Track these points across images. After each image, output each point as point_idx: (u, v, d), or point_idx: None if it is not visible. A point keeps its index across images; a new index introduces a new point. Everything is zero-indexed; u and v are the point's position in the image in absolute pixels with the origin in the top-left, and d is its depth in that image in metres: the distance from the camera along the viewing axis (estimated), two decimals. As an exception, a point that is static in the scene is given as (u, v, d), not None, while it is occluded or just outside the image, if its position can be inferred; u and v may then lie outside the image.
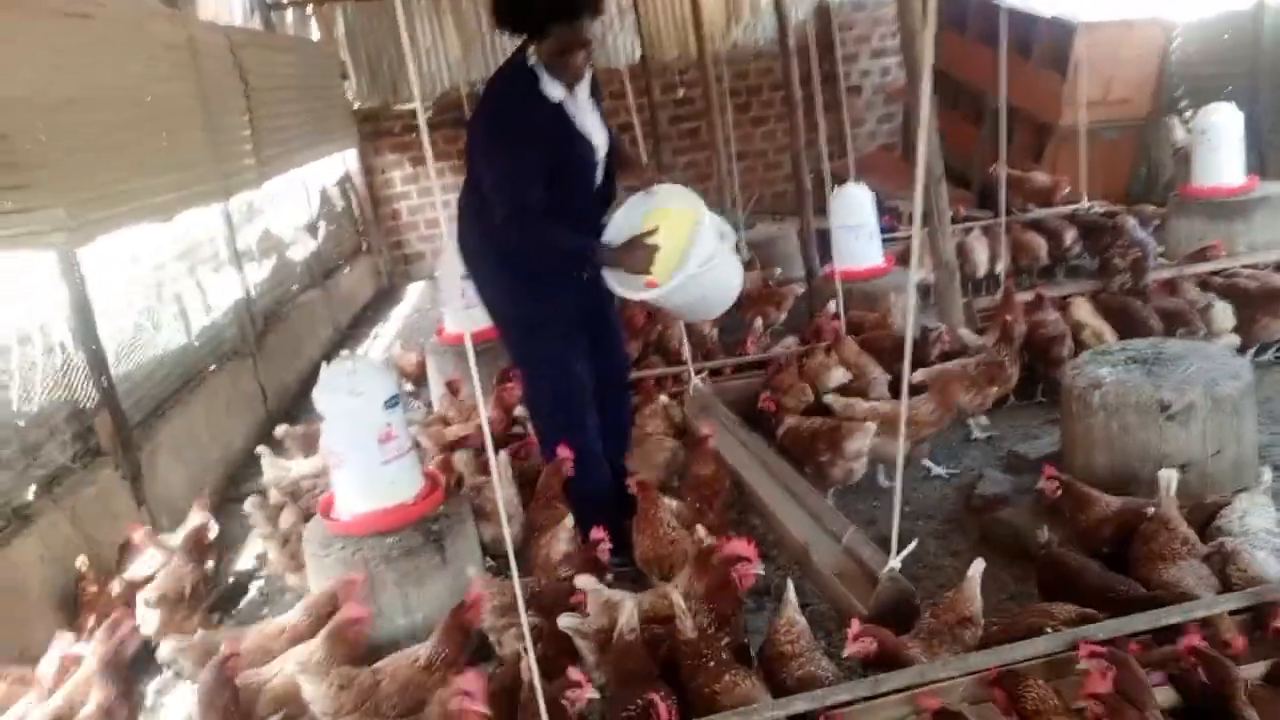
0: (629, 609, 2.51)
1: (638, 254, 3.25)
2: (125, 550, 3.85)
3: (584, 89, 3.35)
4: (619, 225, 3.40)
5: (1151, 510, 2.82)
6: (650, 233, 3.27)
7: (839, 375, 4.66)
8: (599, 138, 3.43)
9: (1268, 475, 2.96)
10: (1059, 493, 3.10)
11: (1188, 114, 8.11)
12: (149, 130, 5.10)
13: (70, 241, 4.04)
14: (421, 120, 2.26)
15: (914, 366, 4.69)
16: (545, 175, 3.21)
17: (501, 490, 3.33)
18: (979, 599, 2.58)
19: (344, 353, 3.26)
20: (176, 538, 3.86)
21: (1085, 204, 7.15)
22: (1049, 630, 2.38)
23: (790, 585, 2.68)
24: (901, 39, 4.58)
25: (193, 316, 5.77)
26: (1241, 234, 5.89)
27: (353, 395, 3.07)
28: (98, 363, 4.24)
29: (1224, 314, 4.66)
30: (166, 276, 5.47)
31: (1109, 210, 7.00)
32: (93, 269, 4.45)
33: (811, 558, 3.16)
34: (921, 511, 3.95)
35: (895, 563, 2.79)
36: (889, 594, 2.77)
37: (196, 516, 4.03)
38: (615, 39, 10.63)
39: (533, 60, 3.23)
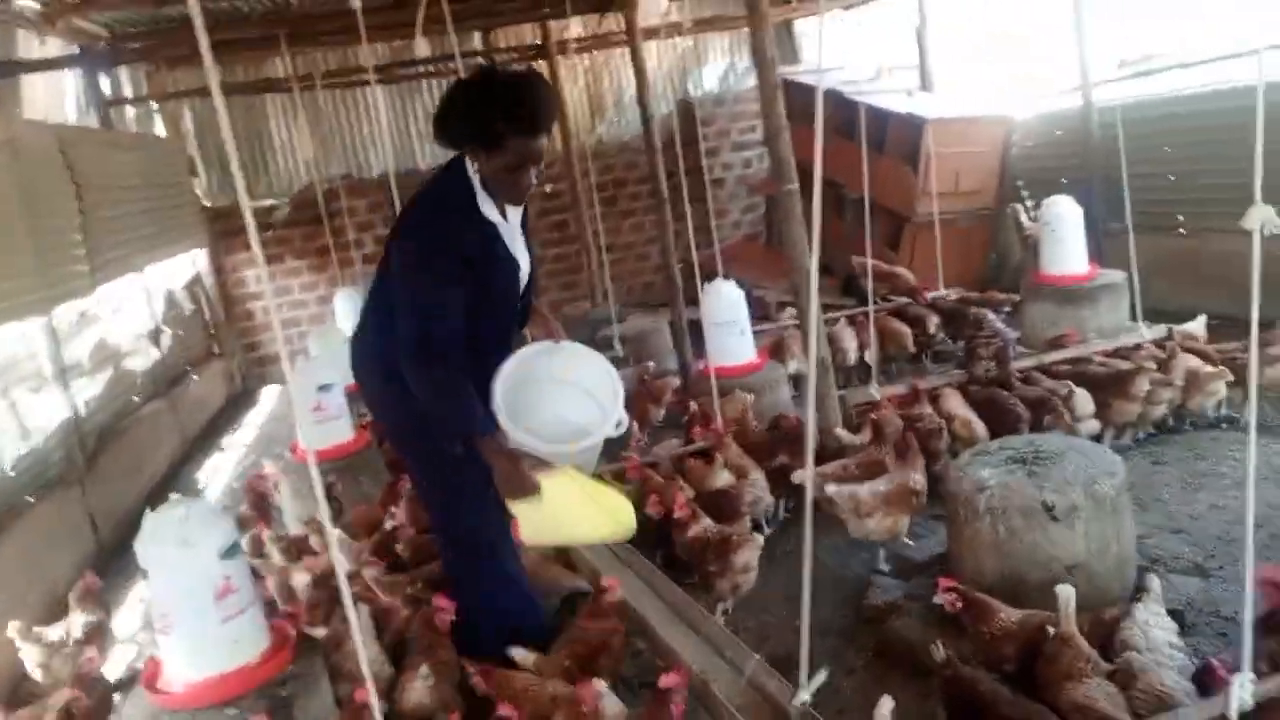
0: None
1: (517, 483, 2.88)
2: None
3: (516, 210, 3.12)
4: (510, 374, 3.02)
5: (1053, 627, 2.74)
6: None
7: (724, 477, 4.51)
8: (524, 262, 3.19)
9: (1156, 584, 2.94)
10: (958, 606, 2.98)
11: (1030, 203, 8.61)
12: (-46, 240, 4.60)
13: None
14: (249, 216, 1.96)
15: (795, 454, 4.68)
16: (465, 307, 2.92)
17: (364, 649, 3.02)
18: None
19: (173, 496, 2.84)
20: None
21: (942, 291, 7.38)
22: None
23: None
24: (765, 135, 4.62)
25: (5, 444, 5.15)
26: (1089, 319, 6.16)
27: (184, 546, 2.68)
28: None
29: (1084, 400, 4.79)
30: (-27, 401, 4.87)
31: (964, 296, 7.27)
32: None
33: (711, 690, 2.92)
34: (812, 625, 3.77)
35: (806, 695, 2.58)
36: None
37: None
38: (479, 134, 10.52)
39: (473, 173, 2.97)
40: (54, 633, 3.88)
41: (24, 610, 4.66)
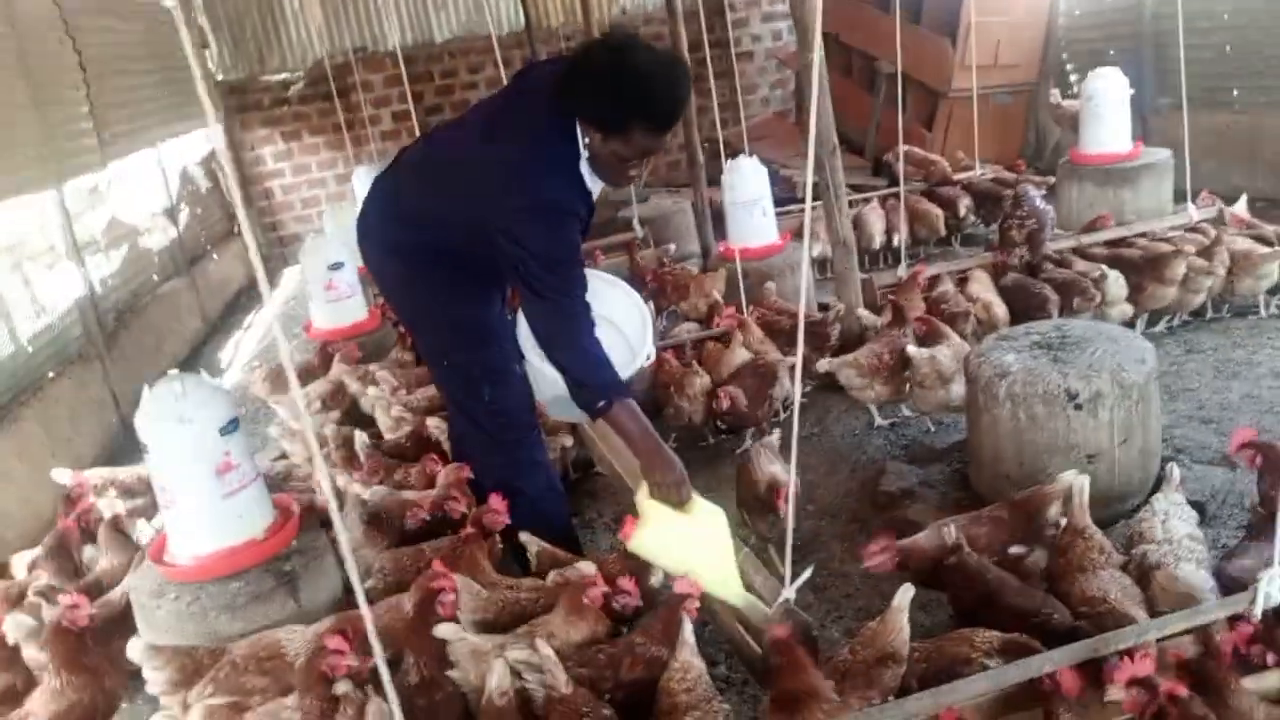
0: (499, 668, 2.20)
1: (673, 480, 2.64)
2: None
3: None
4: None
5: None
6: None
7: (742, 356, 4.42)
8: None
9: (1176, 473, 2.82)
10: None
11: (1074, 78, 8.15)
12: (-50, 111, 4.47)
13: None
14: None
15: (816, 349, 4.58)
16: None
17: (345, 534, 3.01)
18: (906, 632, 2.29)
19: (171, 371, 2.79)
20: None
21: (978, 171, 7.08)
22: (980, 665, 2.17)
23: (687, 622, 2.40)
24: (791, 5, 4.32)
25: (21, 319, 5.14)
26: (1129, 201, 5.88)
27: (182, 423, 2.65)
28: (-108, 384, 3.67)
29: (1117, 284, 4.60)
30: (-17, 277, 4.84)
31: (998, 177, 6.97)
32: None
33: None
34: (824, 509, 3.74)
35: (789, 592, 2.49)
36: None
37: None
38: (496, 4, 10.10)
39: (583, 141, 2.74)
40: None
41: (49, 485, 4.75)
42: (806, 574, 2.54)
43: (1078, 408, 3.09)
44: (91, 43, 6.39)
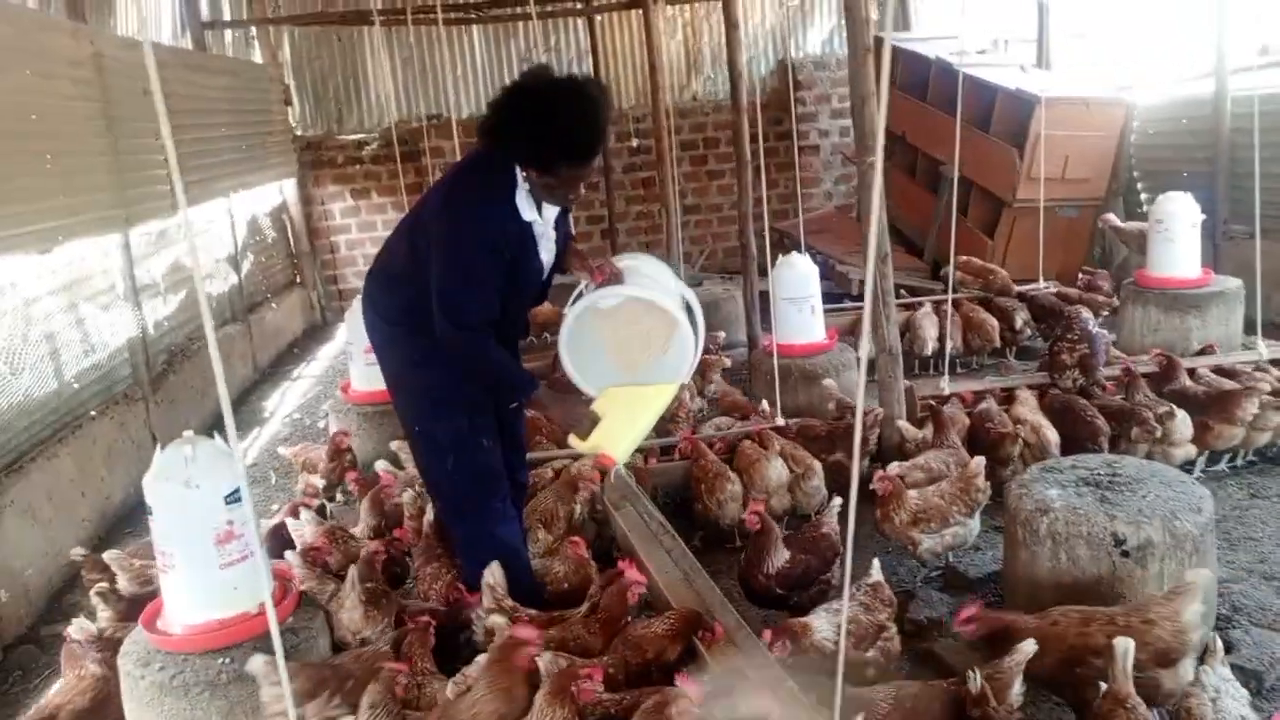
0: None
1: (575, 414, 3.12)
2: None
3: (553, 209, 3.16)
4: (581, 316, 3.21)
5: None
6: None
7: (778, 469, 4.23)
8: (549, 261, 3.24)
9: (1220, 646, 2.57)
10: (977, 634, 2.75)
11: (1144, 197, 7.99)
12: (29, 150, 4.62)
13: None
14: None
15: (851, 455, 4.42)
16: (499, 293, 3.03)
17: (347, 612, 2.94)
18: None
19: (186, 433, 2.76)
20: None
21: (1041, 284, 6.91)
22: None
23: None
24: (851, 104, 4.29)
25: (70, 357, 5.23)
26: (1195, 329, 5.67)
27: (188, 488, 2.60)
28: (-70, 414, 3.72)
29: (1184, 424, 4.33)
30: (39, 313, 4.93)
31: (1062, 292, 6.79)
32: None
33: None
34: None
35: None
36: None
37: None
38: (569, 82, 10.31)
39: (519, 175, 2.98)
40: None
41: (74, 524, 4.77)
42: None
43: (1125, 555, 2.89)
44: (176, 94, 6.63)
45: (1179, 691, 2.55)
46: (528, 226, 3.05)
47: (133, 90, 6.10)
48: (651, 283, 3.29)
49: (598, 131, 2.95)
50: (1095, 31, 9.45)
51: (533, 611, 3.12)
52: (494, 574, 3.16)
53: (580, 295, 3.29)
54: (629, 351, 3.29)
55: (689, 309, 3.30)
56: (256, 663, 2.52)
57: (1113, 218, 7.32)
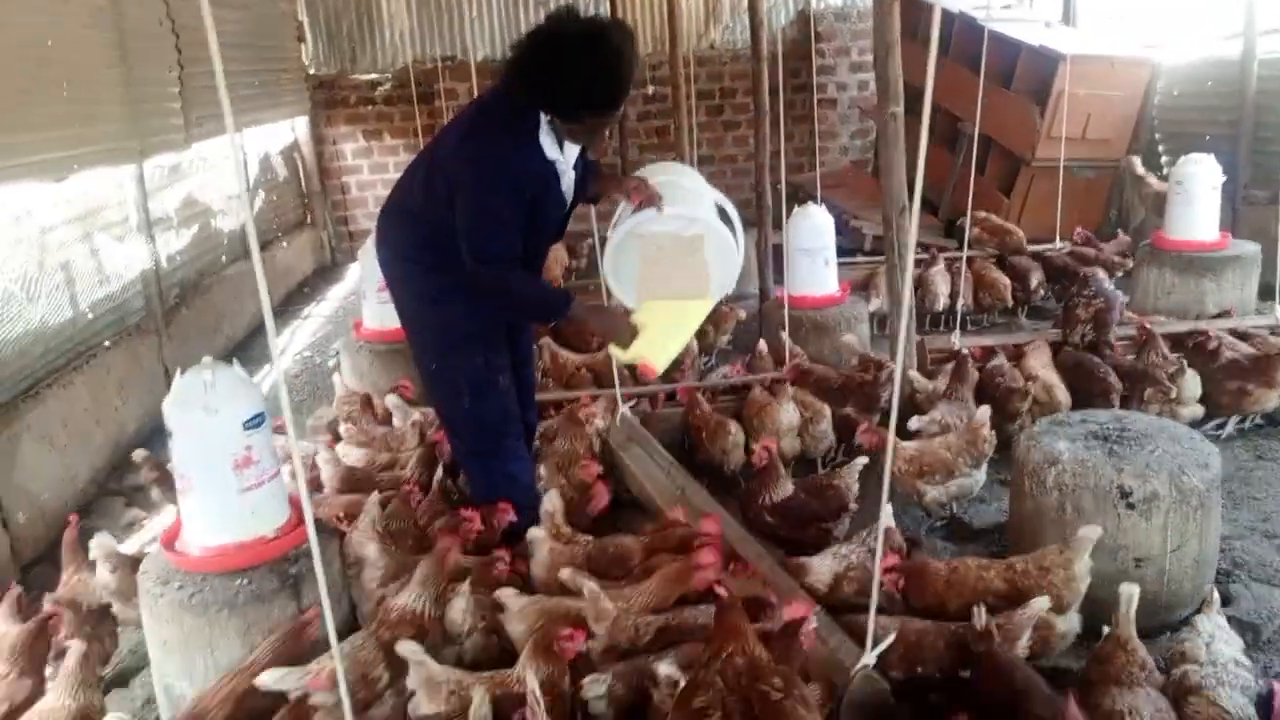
0: (479, 696, 2.14)
1: (613, 323, 3.22)
2: None
3: (574, 147, 3.17)
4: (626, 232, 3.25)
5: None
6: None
7: (789, 412, 4.24)
8: (569, 197, 3.27)
9: (1216, 598, 2.63)
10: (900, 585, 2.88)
11: (1164, 160, 7.91)
12: (44, 79, 4.60)
13: (-76, 198, 3.56)
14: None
15: (864, 409, 4.44)
16: (520, 231, 3.04)
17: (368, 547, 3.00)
18: None
19: (205, 359, 2.78)
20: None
21: (1056, 244, 6.87)
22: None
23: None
24: (875, 55, 4.24)
25: (85, 287, 5.25)
26: (1210, 293, 5.65)
27: (207, 412, 2.63)
28: (-51, 337, 3.75)
29: (1193, 382, 4.36)
30: (54, 241, 4.94)
31: (1076, 251, 6.75)
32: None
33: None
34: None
35: (870, 658, 2.41)
36: (861, 693, 2.40)
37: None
38: (586, 26, 10.18)
39: (543, 117, 2.97)
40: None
41: (87, 451, 4.83)
42: (888, 641, 2.44)
43: (1130, 507, 2.92)
44: (189, 26, 6.57)
45: (1070, 636, 2.78)
46: (550, 165, 3.05)
47: (148, 21, 6.04)
48: (690, 195, 3.28)
49: (621, 81, 2.89)
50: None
51: (587, 537, 3.26)
52: (552, 501, 3.26)
53: (619, 218, 3.31)
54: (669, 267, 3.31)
55: (727, 218, 3.33)
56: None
57: (1136, 162, 7.25)
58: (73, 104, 4.84)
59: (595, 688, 2.44)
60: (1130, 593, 2.46)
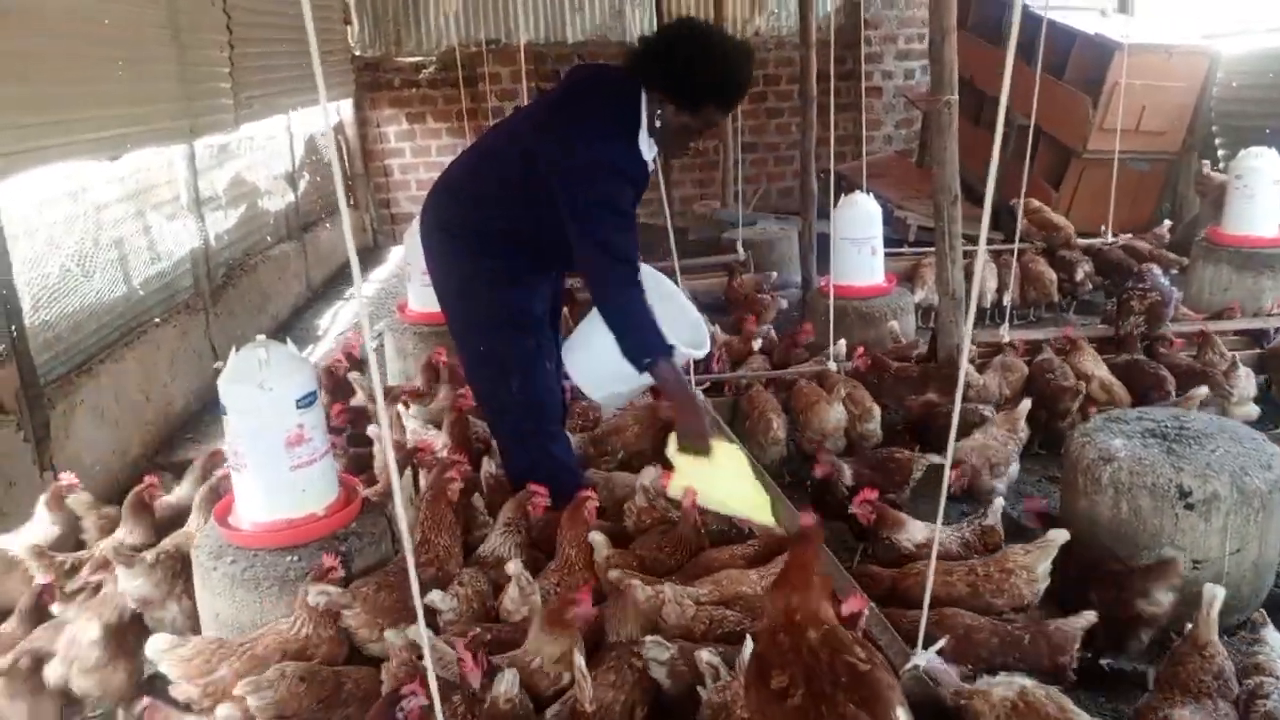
0: (508, 677, 2.15)
1: (696, 432, 2.98)
2: None
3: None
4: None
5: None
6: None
7: (838, 414, 4.12)
8: None
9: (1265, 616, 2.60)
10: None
11: (1221, 153, 7.72)
12: (101, 57, 4.66)
13: (-14, 173, 3.63)
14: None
15: (949, 392, 4.36)
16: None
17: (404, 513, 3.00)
18: None
19: (260, 337, 2.81)
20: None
21: (1108, 238, 6.73)
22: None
23: (749, 644, 2.26)
24: (930, 37, 4.17)
25: (137, 264, 5.33)
26: (1269, 290, 5.51)
27: (262, 390, 2.66)
28: (7, 310, 3.81)
29: (1248, 380, 4.27)
30: (108, 218, 5.01)
31: (1130, 246, 6.61)
32: (13, 205, 4.02)
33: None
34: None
35: (921, 660, 2.37)
36: (911, 694, 2.37)
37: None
38: (632, 13, 10.14)
39: (644, 110, 2.98)
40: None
41: (139, 426, 4.91)
42: (941, 643, 2.41)
43: (1189, 507, 2.86)
44: (240, 6, 6.62)
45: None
46: (644, 165, 3.05)
47: (201, 2, 6.10)
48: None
49: (746, 86, 3.05)
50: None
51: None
52: (648, 475, 3.25)
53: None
54: None
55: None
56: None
57: (1207, 165, 7.11)
58: (128, 83, 4.90)
59: (658, 650, 2.38)
60: (1214, 594, 2.41)
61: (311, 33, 1.45)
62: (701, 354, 3.33)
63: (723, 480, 2.97)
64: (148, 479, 3.47)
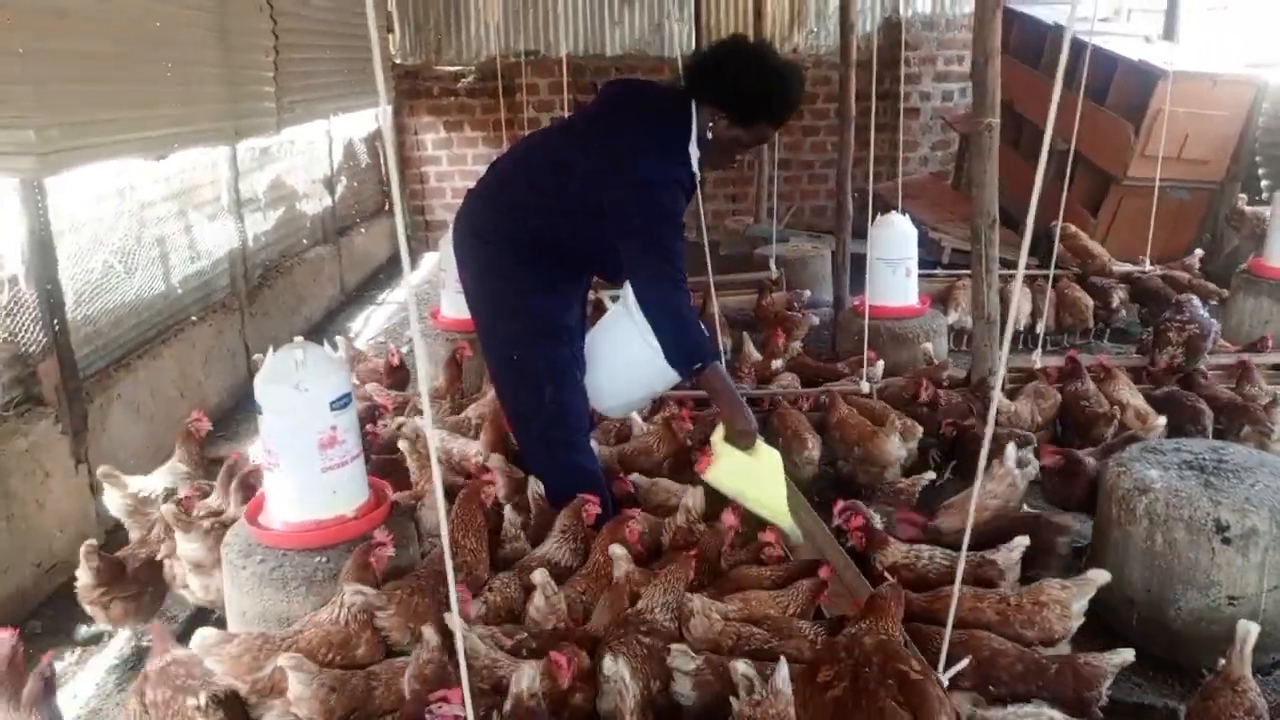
0: (529, 674, 2.15)
1: (744, 423, 3.07)
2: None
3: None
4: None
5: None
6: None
7: (896, 447, 3.98)
8: None
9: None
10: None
11: (1264, 184, 7.61)
12: (152, 58, 4.75)
13: (37, 169, 3.69)
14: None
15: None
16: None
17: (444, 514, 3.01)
18: None
19: (297, 338, 2.84)
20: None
21: (1146, 266, 6.65)
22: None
23: (784, 665, 2.26)
24: (973, 60, 4.15)
25: (177, 262, 5.41)
26: (1311, 323, 5.42)
27: (297, 391, 2.69)
28: (51, 304, 3.88)
29: (1288, 415, 4.19)
30: (151, 217, 5.10)
31: (1169, 275, 6.52)
32: (62, 200, 4.10)
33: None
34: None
35: (943, 679, 2.34)
36: None
37: None
38: (672, 27, 10.19)
39: (694, 122, 3.03)
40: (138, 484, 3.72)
41: (173, 422, 4.97)
42: (963, 664, 2.39)
43: (1226, 541, 2.81)
44: (286, 12, 6.73)
45: None
46: (693, 176, 3.08)
47: (248, 6, 6.21)
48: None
49: (796, 103, 3.10)
50: (1237, 3, 8.95)
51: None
52: (692, 496, 3.25)
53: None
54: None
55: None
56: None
57: (1244, 200, 7.02)
58: (176, 84, 4.98)
59: (683, 661, 2.39)
60: (1247, 630, 2.36)
61: (376, 43, 1.46)
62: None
63: (758, 477, 3.10)
64: (195, 413, 3.98)
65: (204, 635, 2.47)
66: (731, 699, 2.22)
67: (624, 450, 3.93)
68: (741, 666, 2.20)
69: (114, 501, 3.58)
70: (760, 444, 3.14)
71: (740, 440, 3.06)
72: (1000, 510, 3.39)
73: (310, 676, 2.30)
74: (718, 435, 3.11)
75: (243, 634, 2.53)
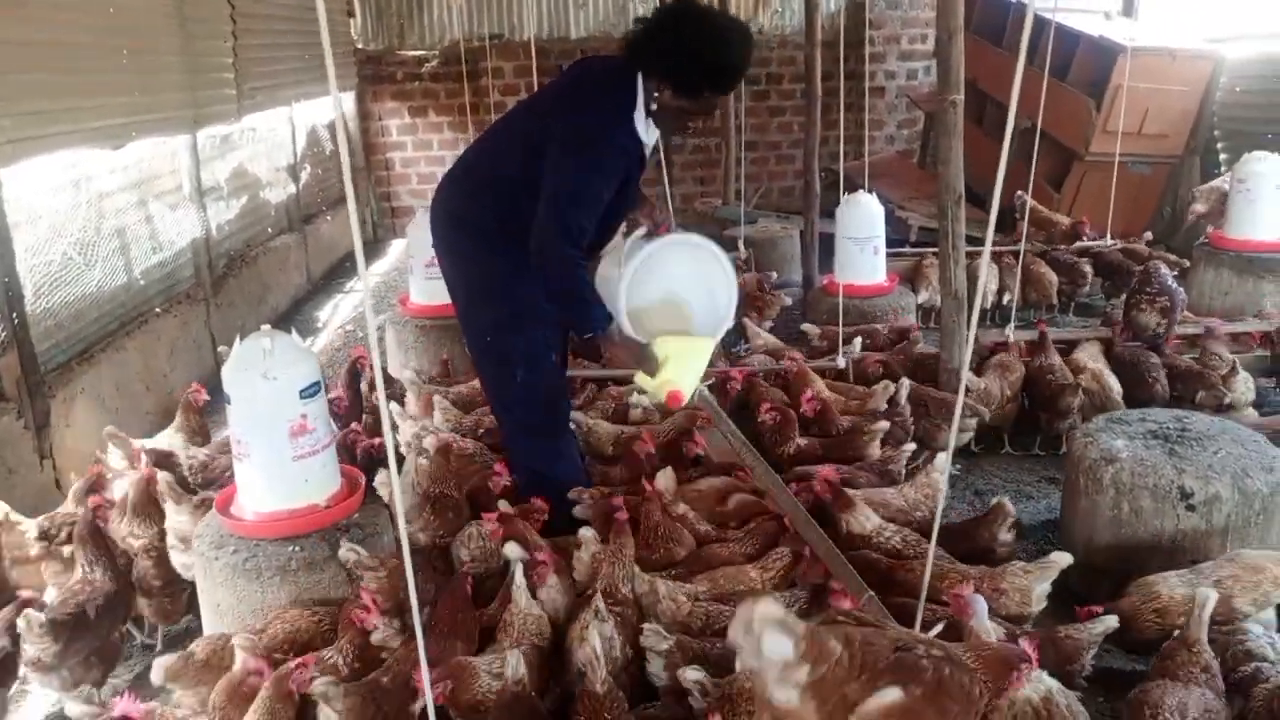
0: (514, 659, 2.16)
1: (645, 354, 3.03)
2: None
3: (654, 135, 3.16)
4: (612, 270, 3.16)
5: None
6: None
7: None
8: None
9: (1211, 599, 2.54)
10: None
11: (1223, 158, 7.73)
12: (108, 46, 4.65)
13: (-10, 160, 3.62)
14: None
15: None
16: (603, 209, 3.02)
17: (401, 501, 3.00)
18: None
19: (264, 327, 2.81)
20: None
21: (1108, 241, 6.74)
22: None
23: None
24: (937, 37, 4.16)
25: (139, 253, 5.32)
26: (1271, 294, 5.52)
27: (266, 379, 2.66)
28: (10, 297, 3.81)
29: (1246, 385, 4.27)
30: (110, 207, 5.00)
31: (1130, 248, 6.62)
32: (18, 191, 4.01)
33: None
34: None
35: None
36: None
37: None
38: (635, 8, 10.13)
39: (640, 91, 2.97)
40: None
41: (139, 415, 4.91)
42: (939, 627, 2.42)
43: (1190, 509, 2.87)
44: (244, -2, 6.62)
45: None
46: (640, 146, 3.05)
47: (205, -9, 6.09)
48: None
49: (742, 69, 3.03)
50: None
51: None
52: (662, 479, 3.25)
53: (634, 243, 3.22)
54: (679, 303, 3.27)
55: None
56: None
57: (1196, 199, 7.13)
58: (132, 72, 4.89)
59: (657, 640, 2.40)
60: (1206, 596, 2.42)
61: (324, 26, 1.42)
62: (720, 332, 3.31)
63: (685, 355, 3.07)
64: (194, 385, 4.15)
65: (162, 663, 2.46)
66: (690, 700, 2.26)
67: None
68: (690, 674, 2.24)
69: (118, 462, 3.72)
70: (656, 346, 3.08)
71: (653, 365, 3.02)
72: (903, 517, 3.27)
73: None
74: (639, 380, 3.13)
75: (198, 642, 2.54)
